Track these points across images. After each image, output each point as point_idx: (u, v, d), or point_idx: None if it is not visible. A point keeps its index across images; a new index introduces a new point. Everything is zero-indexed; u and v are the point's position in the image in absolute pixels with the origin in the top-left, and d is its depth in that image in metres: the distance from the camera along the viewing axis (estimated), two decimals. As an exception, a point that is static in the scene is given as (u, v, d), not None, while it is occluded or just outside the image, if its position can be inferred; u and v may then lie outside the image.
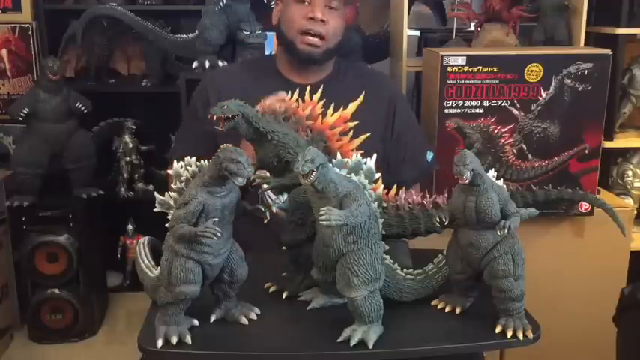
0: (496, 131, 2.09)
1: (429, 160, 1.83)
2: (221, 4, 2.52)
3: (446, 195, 1.17)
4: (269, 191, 1.19)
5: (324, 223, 0.96)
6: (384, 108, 1.76)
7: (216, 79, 1.81)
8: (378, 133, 1.72)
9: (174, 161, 1.07)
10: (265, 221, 1.12)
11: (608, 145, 2.40)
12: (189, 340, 1.02)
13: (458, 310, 1.12)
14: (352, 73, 1.81)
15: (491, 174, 1.06)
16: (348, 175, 1.05)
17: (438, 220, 1.10)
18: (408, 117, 1.82)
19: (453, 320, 1.10)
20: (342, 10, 1.71)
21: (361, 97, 1.26)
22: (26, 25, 2.76)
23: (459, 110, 2.06)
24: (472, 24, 2.67)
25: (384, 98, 1.76)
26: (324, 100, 1.22)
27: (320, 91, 1.24)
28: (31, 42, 2.77)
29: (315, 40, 1.66)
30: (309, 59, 1.69)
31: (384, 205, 1.15)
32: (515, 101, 2.06)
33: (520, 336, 1.04)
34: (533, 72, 2.04)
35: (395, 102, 1.78)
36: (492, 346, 1.14)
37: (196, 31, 2.60)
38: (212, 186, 1.01)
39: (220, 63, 2.55)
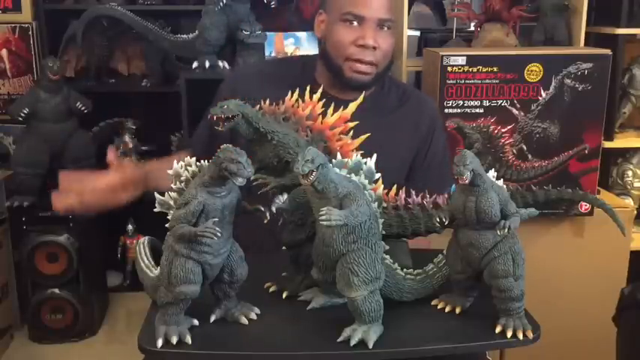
0: (496, 131, 2.09)
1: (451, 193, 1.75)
2: (221, 4, 2.52)
3: (446, 195, 1.17)
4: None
5: (324, 223, 0.96)
6: (422, 131, 1.65)
7: (245, 80, 1.65)
8: (409, 155, 1.64)
9: (175, 161, 1.07)
10: (265, 221, 1.12)
11: (608, 145, 2.40)
12: (189, 340, 1.02)
13: (458, 310, 1.12)
14: (395, 91, 1.68)
15: (491, 174, 1.06)
16: (348, 175, 1.05)
17: (438, 220, 1.10)
18: (442, 146, 1.70)
19: (453, 320, 1.10)
20: (394, 28, 1.55)
21: (361, 98, 1.26)
22: (26, 25, 2.76)
23: (459, 110, 2.06)
24: (472, 24, 2.67)
25: (424, 122, 1.66)
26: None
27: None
28: (31, 42, 2.77)
29: (366, 68, 1.52)
30: (358, 87, 1.53)
31: (384, 205, 1.15)
32: (515, 101, 2.06)
33: (520, 336, 1.04)
34: (533, 72, 2.04)
35: (434, 128, 1.67)
36: (492, 346, 1.14)
37: (196, 31, 2.60)
38: (212, 186, 1.01)
39: (220, 63, 2.55)
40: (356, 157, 1.08)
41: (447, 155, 1.72)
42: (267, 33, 2.71)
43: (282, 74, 1.63)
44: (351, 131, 1.20)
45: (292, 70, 1.67)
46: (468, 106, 2.06)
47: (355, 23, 1.50)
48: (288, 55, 2.83)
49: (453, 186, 1.74)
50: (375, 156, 1.10)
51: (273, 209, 1.14)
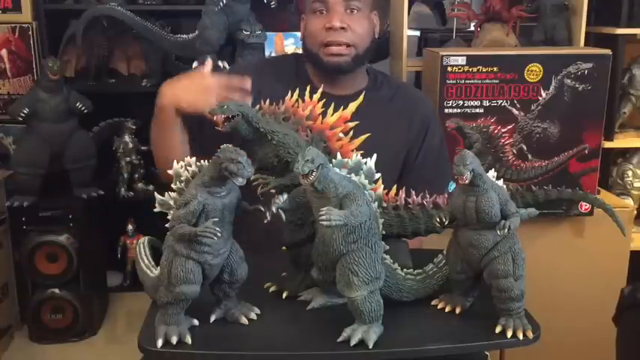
0: (496, 131, 2.09)
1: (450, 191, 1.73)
2: (221, 4, 2.52)
3: (446, 195, 1.17)
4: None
5: (324, 223, 0.96)
6: (415, 128, 1.67)
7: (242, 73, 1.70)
8: (401, 151, 1.66)
9: (174, 161, 1.07)
10: (265, 221, 1.12)
11: (608, 145, 2.40)
12: (189, 340, 1.02)
13: (458, 310, 1.12)
14: (387, 87, 1.72)
15: (491, 174, 1.06)
16: (348, 175, 1.05)
17: (438, 220, 1.10)
18: (437, 143, 1.72)
19: (453, 320, 1.10)
20: (366, 11, 1.61)
21: (361, 98, 1.26)
22: (26, 25, 2.76)
23: (459, 110, 2.06)
24: (472, 24, 2.67)
25: (417, 119, 1.68)
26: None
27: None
28: (31, 42, 2.77)
29: (340, 49, 1.57)
30: (337, 70, 1.59)
31: (384, 205, 1.15)
32: (515, 101, 2.06)
33: (520, 336, 1.04)
34: (533, 72, 2.04)
35: (427, 126, 1.69)
36: (492, 346, 1.14)
37: (196, 31, 2.60)
38: (212, 186, 1.01)
39: (220, 63, 2.55)
40: (356, 157, 1.08)
41: (444, 155, 1.73)
42: (267, 33, 2.71)
43: (279, 71, 1.70)
44: (351, 131, 1.20)
45: (287, 67, 1.73)
46: (468, 106, 2.06)
47: (324, 11, 1.58)
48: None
49: (453, 185, 1.74)
50: (374, 156, 1.10)
51: (274, 209, 1.14)
